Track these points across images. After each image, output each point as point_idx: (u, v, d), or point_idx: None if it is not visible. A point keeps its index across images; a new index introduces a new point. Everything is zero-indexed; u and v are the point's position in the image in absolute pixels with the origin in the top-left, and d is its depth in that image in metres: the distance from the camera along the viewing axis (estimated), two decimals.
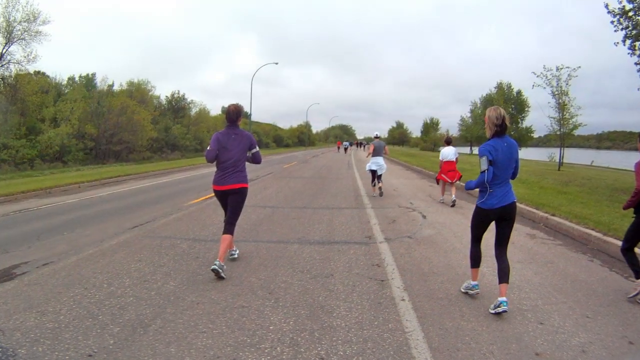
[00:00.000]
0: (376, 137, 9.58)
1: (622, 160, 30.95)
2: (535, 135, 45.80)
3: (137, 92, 31.57)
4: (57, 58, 63.36)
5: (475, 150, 38.40)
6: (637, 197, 3.24)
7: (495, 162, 2.94)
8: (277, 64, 42.65)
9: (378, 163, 8.95)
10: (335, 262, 4.11)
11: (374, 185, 9.17)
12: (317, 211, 7.07)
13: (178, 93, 39.32)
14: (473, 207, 3.25)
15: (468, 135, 50.87)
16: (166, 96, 39.03)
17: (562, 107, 17.78)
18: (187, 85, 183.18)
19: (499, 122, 2.97)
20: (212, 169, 4.08)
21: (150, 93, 34.37)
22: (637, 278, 3.24)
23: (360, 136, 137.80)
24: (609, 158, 37.26)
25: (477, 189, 3.11)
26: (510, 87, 46.20)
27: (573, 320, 2.85)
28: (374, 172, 9.04)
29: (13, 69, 20.35)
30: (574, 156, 29.82)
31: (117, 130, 25.11)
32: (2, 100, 19.89)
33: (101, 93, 27.39)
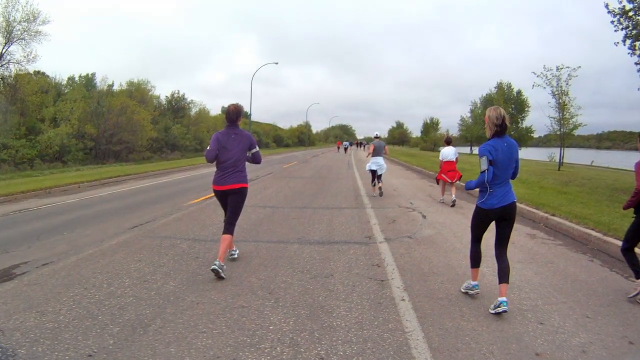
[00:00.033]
0: (376, 137, 9.58)
1: (622, 160, 30.93)
2: (535, 135, 45.86)
3: (137, 92, 31.56)
4: (57, 58, 63.45)
5: (475, 150, 38.39)
6: (637, 197, 3.24)
7: (495, 162, 2.94)
8: (277, 63, 42.71)
9: (378, 163, 8.96)
10: (335, 262, 4.10)
11: (374, 185, 9.18)
12: (317, 211, 7.07)
13: (178, 93, 39.38)
14: (473, 207, 3.25)
15: (468, 135, 50.88)
16: (166, 96, 39.11)
17: (562, 107, 17.77)
18: (187, 85, 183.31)
19: (499, 122, 2.97)
20: (212, 169, 4.08)
21: (150, 93, 34.38)
22: (637, 278, 3.24)
23: (360, 136, 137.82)
24: (609, 158, 37.24)
25: (477, 189, 3.11)
26: (510, 87, 46.24)
27: (573, 320, 2.85)
28: (374, 172, 9.04)
29: (13, 68, 20.42)
30: (574, 156, 29.81)
31: (117, 130, 25.11)
32: (2, 100, 19.90)
33: (101, 93, 27.38)
